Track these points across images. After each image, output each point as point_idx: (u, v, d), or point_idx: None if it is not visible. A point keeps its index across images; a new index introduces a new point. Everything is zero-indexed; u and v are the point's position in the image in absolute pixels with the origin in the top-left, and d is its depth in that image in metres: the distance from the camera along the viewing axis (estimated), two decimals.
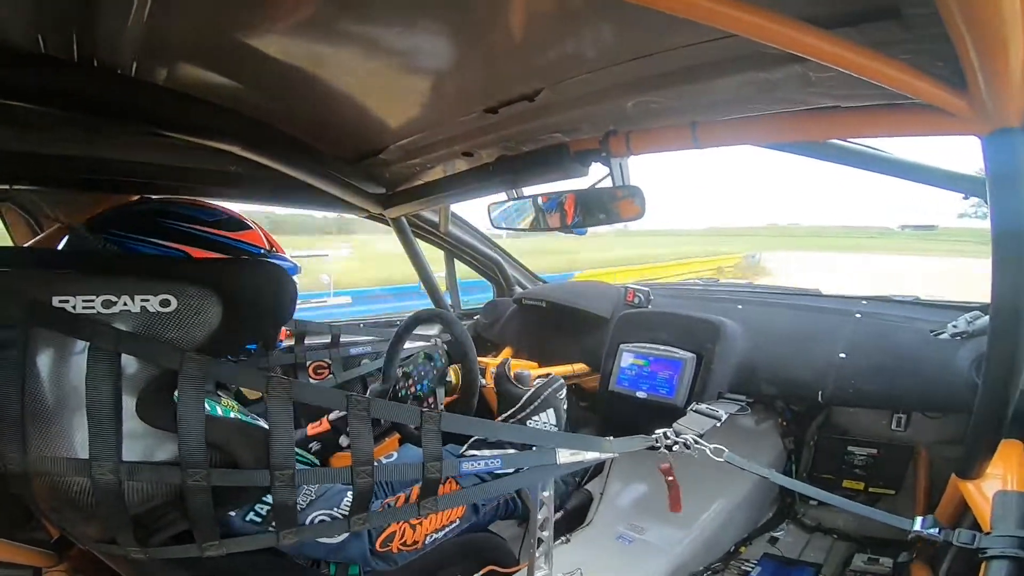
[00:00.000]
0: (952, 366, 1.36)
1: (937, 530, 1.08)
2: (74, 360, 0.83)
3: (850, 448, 1.80)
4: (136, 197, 1.41)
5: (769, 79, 0.81)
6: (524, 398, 1.24)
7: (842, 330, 1.59)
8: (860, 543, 1.75)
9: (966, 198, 1.17)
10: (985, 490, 1.08)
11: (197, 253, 1.01)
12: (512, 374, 1.34)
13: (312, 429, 1.56)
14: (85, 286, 0.84)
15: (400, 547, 1.06)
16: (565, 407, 1.28)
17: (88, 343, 0.82)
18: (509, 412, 1.24)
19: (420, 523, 1.08)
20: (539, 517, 1.14)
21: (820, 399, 1.52)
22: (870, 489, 1.77)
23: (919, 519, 1.10)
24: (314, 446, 1.53)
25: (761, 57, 0.77)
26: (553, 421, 1.24)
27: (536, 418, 1.23)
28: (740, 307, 1.84)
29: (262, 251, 1.09)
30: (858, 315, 1.63)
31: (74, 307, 0.83)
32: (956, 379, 1.34)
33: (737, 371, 1.66)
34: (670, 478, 1.31)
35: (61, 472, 0.84)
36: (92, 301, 0.84)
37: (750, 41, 0.61)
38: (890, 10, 0.59)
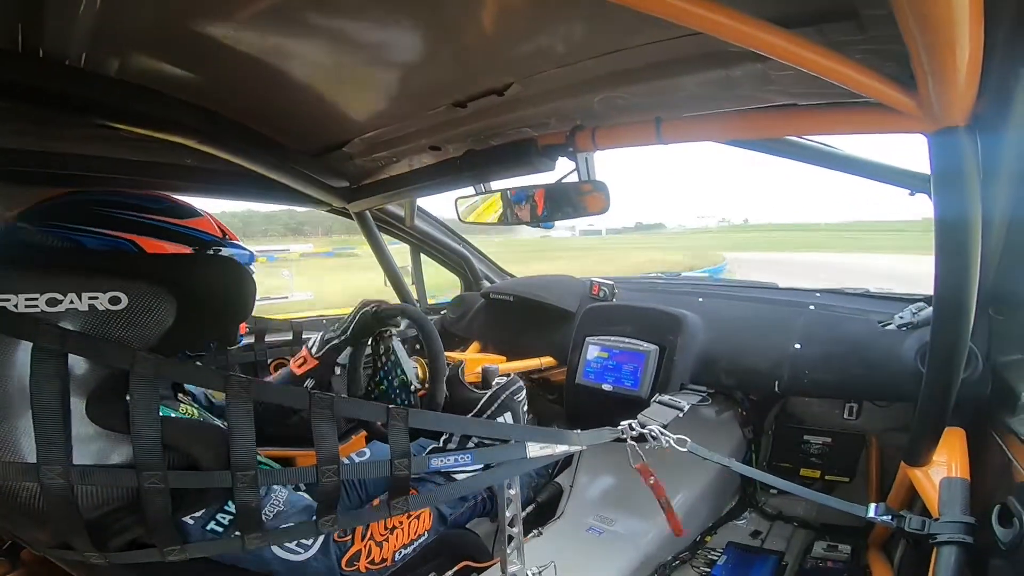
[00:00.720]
0: (898, 356, 1.41)
1: (889, 516, 1.11)
2: (18, 361, 0.79)
3: (806, 437, 1.86)
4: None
5: (731, 76, 0.83)
6: (482, 401, 1.22)
7: (797, 322, 1.64)
8: (819, 530, 1.81)
9: (912, 194, 1.22)
10: (932, 476, 1.12)
11: (146, 242, 0.94)
12: (465, 376, 1.31)
13: (298, 368, 1.44)
14: (27, 284, 0.80)
15: (368, 566, 1.01)
16: (524, 408, 1.26)
17: (32, 343, 0.77)
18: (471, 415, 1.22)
19: (387, 540, 1.04)
20: (507, 514, 1.14)
21: (776, 389, 1.57)
22: (826, 477, 1.83)
23: (872, 506, 1.14)
24: (309, 383, 1.43)
25: (724, 55, 0.79)
26: (511, 423, 1.22)
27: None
28: (701, 300, 1.88)
29: (215, 239, 1.03)
30: (812, 307, 1.68)
31: (16, 306, 0.79)
32: (902, 368, 1.39)
33: (698, 362, 1.69)
34: (651, 480, 1.30)
35: (8, 477, 0.80)
36: (35, 299, 0.80)
37: (714, 39, 0.62)
38: (848, 11, 0.61)
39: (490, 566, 1.33)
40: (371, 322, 1.45)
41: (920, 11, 0.50)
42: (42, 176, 1.25)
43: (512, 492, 1.14)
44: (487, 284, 2.51)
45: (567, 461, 1.96)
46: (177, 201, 1.04)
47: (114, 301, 0.84)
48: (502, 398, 1.22)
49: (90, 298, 0.82)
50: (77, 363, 0.81)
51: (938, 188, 0.81)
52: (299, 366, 1.43)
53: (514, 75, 0.99)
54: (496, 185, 1.51)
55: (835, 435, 1.83)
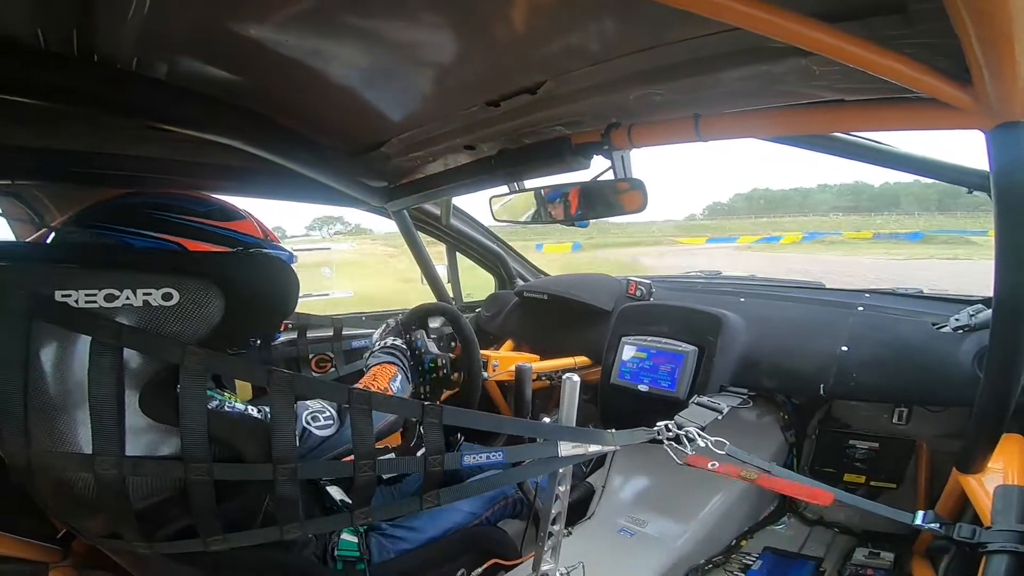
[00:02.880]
0: (954, 360, 1.35)
1: (938, 524, 1.07)
2: (77, 355, 0.83)
3: (851, 442, 1.79)
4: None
5: (772, 72, 0.80)
6: None
7: (844, 323, 1.59)
8: (861, 537, 1.75)
9: (970, 192, 1.16)
10: (986, 484, 1.08)
11: (191, 244, 0.99)
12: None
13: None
14: (87, 280, 0.84)
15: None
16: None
17: (90, 337, 0.81)
18: None
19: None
20: (552, 511, 1.14)
21: (821, 392, 1.52)
22: (871, 483, 1.76)
23: (920, 513, 1.10)
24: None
25: (765, 51, 0.76)
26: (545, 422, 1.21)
27: None
28: (742, 300, 1.83)
29: (257, 240, 1.07)
30: (860, 308, 1.63)
31: (76, 301, 0.82)
32: (958, 373, 1.33)
33: (739, 364, 1.66)
34: (711, 465, 1.18)
35: (64, 467, 0.84)
36: (94, 295, 0.83)
37: (754, 34, 0.60)
38: (895, 5, 0.58)
39: (518, 564, 1.33)
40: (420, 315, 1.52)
41: (973, 4, 0.48)
42: (97, 177, 1.33)
43: (561, 489, 1.13)
44: (521, 283, 2.52)
45: (599, 461, 1.95)
46: (222, 203, 1.08)
47: (167, 297, 0.87)
48: None
49: (144, 294, 0.86)
50: (131, 357, 0.85)
51: (998, 185, 0.77)
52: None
53: (547, 73, 0.98)
54: (530, 184, 1.51)
55: (882, 440, 1.75)
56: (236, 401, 0.97)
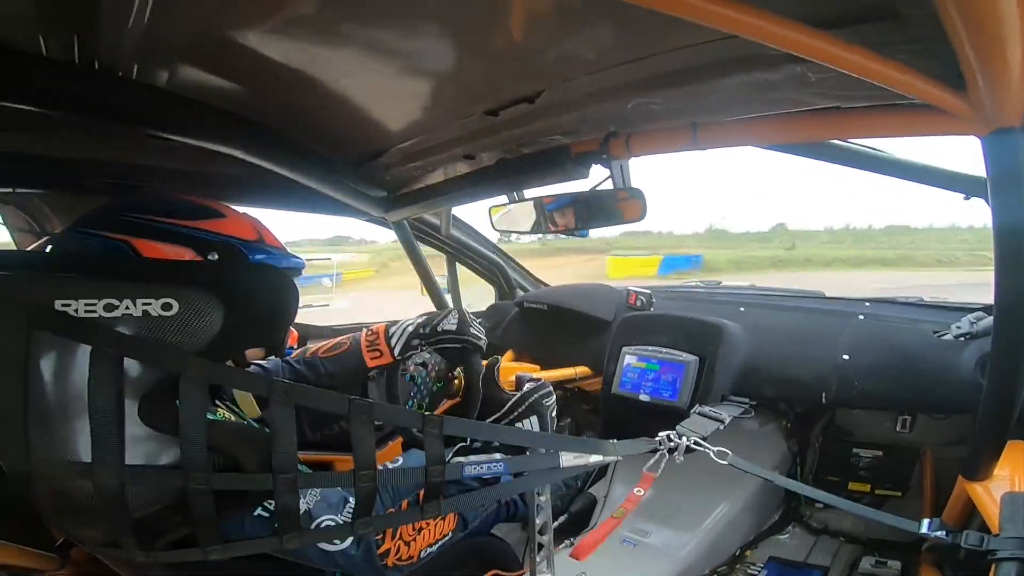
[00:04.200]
0: (956, 367, 1.36)
1: (945, 532, 1.07)
2: (77, 364, 0.83)
3: (855, 450, 1.79)
4: None
5: (769, 80, 0.81)
6: (509, 403, 1.21)
7: (845, 332, 1.59)
8: (867, 545, 1.73)
9: (967, 199, 1.16)
10: (993, 491, 1.07)
11: (141, 243, 0.95)
12: (500, 378, 1.31)
13: (372, 359, 1.39)
14: (87, 290, 0.84)
15: (396, 562, 1.03)
16: (553, 413, 1.24)
17: (90, 347, 0.81)
18: (493, 417, 1.21)
19: (414, 539, 1.05)
20: (538, 521, 1.13)
21: (823, 401, 1.52)
22: (876, 491, 1.76)
23: (926, 521, 1.10)
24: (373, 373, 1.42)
25: (760, 58, 0.77)
26: (537, 428, 1.20)
27: (520, 424, 1.20)
28: (742, 309, 1.83)
29: (238, 240, 1.04)
30: (861, 316, 1.63)
31: (76, 311, 0.82)
32: (960, 380, 1.34)
33: (740, 373, 1.65)
34: None
35: (64, 476, 0.84)
36: (94, 305, 0.83)
37: (749, 42, 0.61)
38: (887, 10, 0.59)
39: (519, 575, 1.32)
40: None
41: (964, 9, 0.48)
42: (97, 186, 1.33)
43: (543, 499, 1.13)
44: (520, 293, 2.52)
45: (601, 472, 1.94)
46: (196, 203, 1.05)
47: (166, 307, 0.86)
48: (530, 400, 1.21)
49: (144, 304, 0.85)
50: (130, 366, 0.84)
51: (995, 192, 0.77)
52: (374, 357, 1.39)
53: (545, 82, 0.99)
54: (530, 193, 1.52)
55: (887, 448, 1.75)
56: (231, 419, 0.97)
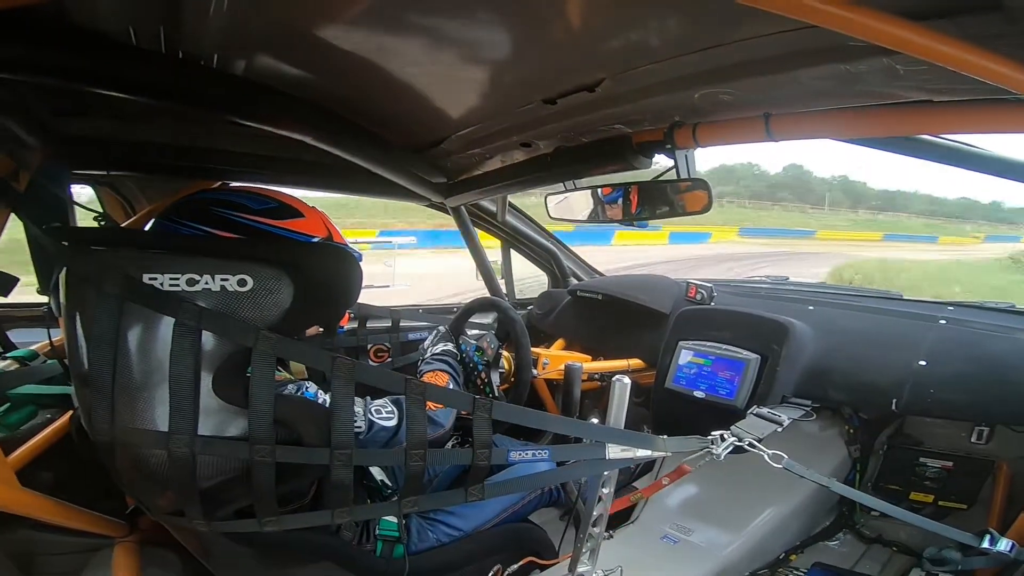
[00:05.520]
0: None
1: (1009, 548, 1.02)
2: (160, 336, 0.89)
3: (922, 459, 1.69)
4: (217, 184, 1.51)
5: (852, 71, 0.75)
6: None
7: (923, 337, 1.49)
8: (922, 558, 1.65)
9: None
10: None
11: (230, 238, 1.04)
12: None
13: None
14: (172, 265, 0.90)
15: None
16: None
17: (173, 319, 0.87)
18: None
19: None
20: (594, 513, 1.13)
21: (894, 407, 1.44)
22: (940, 503, 1.67)
23: (988, 536, 1.06)
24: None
25: (843, 49, 0.72)
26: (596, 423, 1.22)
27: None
28: (811, 308, 1.75)
29: (315, 239, 1.11)
30: (942, 321, 1.53)
31: (162, 284, 0.89)
32: None
33: (804, 375, 1.58)
34: None
35: (141, 444, 0.91)
36: (178, 279, 0.89)
37: (830, 32, 0.57)
38: (990, 2, 0.53)
39: (556, 564, 1.33)
40: (448, 335, 1.56)
41: None
42: (182, 169, 1.43)
43: (605, 491, 1.12)
44: (574, 281, 2.50)
45: (647, 467, 1.92)
46: (284, 201, 1.12)
47: (242, 283, 0.92)
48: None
49: (222, 279, 0.91)
50: (206, 340, 0.90)
51: None
52: None
53: (606, 71, 0.96)
54: (587, 182, 1.50)
55: (957, 459, 1.64)
56: (299, 382, 1.02)
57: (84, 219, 1.40)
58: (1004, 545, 1.04)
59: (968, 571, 1.40)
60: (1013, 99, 0.69)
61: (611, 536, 1.66)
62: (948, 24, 0.56)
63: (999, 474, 1.58)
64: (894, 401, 1.43)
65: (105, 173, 1.51)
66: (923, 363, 1.43)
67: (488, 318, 2.30)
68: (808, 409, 1.53)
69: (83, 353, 0.89)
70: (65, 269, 0.90)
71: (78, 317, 0.89)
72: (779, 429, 1.29)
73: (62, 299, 0.91)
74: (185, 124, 1.36)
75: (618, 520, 1.76)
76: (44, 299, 1.08)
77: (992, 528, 1.08)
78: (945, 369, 1.41)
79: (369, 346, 2.04)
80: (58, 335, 1.06)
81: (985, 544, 1.04)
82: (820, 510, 1.80)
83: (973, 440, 1.60)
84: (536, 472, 1.25)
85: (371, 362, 2.05)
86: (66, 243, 0.93)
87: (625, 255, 11.88)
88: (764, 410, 1.37)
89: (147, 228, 1.10)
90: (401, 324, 2.08)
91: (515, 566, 1.30)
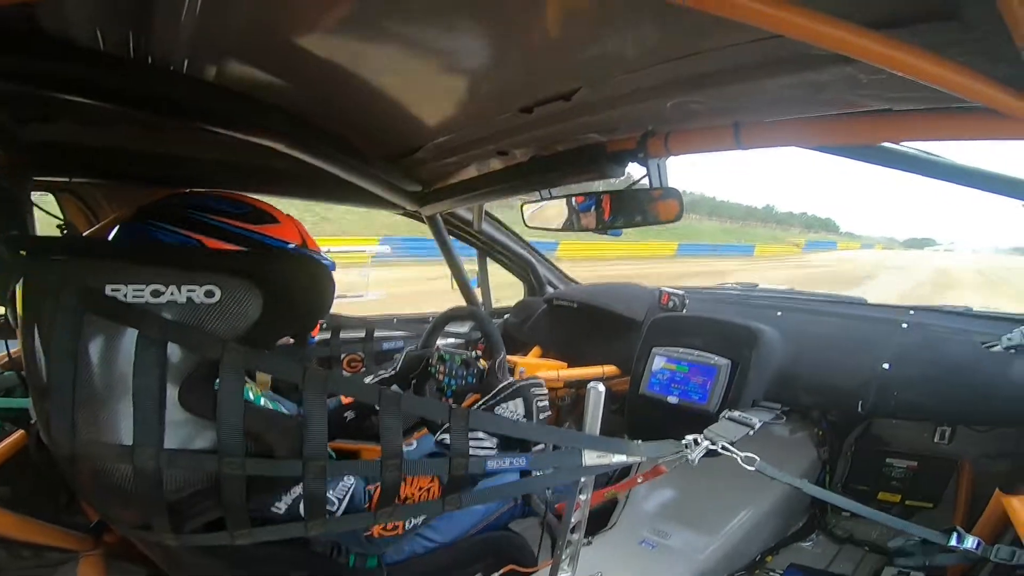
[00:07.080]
0: (1005, 379, 1.32)
1: (975, 545, 1.05)
2: (123, 348, 0.86)
3: (888, 460, 1.75)
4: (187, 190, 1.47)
5: (817, 80, 0.78)
6: (499, 387, 1.28)
7: (887, 340, 1.55)
8: (893, 556, 1.69)
9: None
10: None
11: (211, 242, 1.00)
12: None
13: (347, 398, 1.51)
14: (135, 275, 0.87)
15: (381, 532, 1.06)
16: (542, 405, 1.29)
17: (136, 332, 0.84)
18: (483, 400, 1.28)
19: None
20: (571, 520, 1.12)
21: (860, 410, 1.48)
22: (907, 502, 1.73)
23: (955, 533, 1.08)
24: (349, 415, 1.50)
25: (808, 58, 0.74)
26: (521, 412, 1.26)
27: (504, 406, 1.26)
28: (779, 314, 1.79)
29: (290, 245, 1.09)
30: (904, 325, 1.58)
31: (125, 296, 0.86)
32: (1009, 392, 1.30)
33: (774, 379, 1.62)
34: None
35: (105, 457, 0.87)
36: (142, 290, 0.86)
37: (796, 42, 0.59)
38: (946, 11, 0.56)
39: (536, 571, 1.32)
40: (414, 361, 1.60)
41: None
42: (149, 177, 1.38)
43: (582, 497, 1.12)
44: (550, 290, 2.51)
45: (624, 472, 1.92)
46: (261, 207, 1.10)
47: (209, 294, 0.90)
48: (518, 385, 1.28)
49: (188, 291, 0.89)
50: (172, 352, 0.87)
51: None
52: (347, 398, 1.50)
53: (581, 80, 0.98)
54: (562, 191, 1.51)
55: (922, 459, 1.71)
56: (263, 398, 1.00)
57: (46, 227, 1.35)
58: (971, 543, 1.07)
59: (938, 568, 1.45)
60: (968, 107, 0.73)
61: (590, 542, 1.66)
62: (907, 33, 0.58)
63: (962, 472, 1.64)
64: (860, 403, 1.48)
65: (68, 180, 1.46)
66: (887, 366, 1.48)
67: (464, 327, 2.29)
68: (778, 412, 1.57)
69: (41, 366, 0.86)
70: (22, 279, 0.87)
71: (36, 329, 0.86)
72: (751, 432, 1.31)
73: (19, 310, 0.88)
74: (154, 130, 1.32)
75: (597, 526, 1.76)
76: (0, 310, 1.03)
77: (958, 526, 1.11)
78: (908, 371, 1.46)
79: (342, 356, 2.01)
80: (16, 346, 1.01)
81: (952, 542, 1.07)
82: (793, 511, 1.84)
83: (936, 440, 1.67)
84: (513, 480, 1.24)
85: (344, 372, 2.01)
86: (24, 252, 0.89)
87: None
88: (736, 414, 1.40)
89: (111, 235, 1.05)
90: (375, 334, 2.05)
91: (496, 574, 1.29)
